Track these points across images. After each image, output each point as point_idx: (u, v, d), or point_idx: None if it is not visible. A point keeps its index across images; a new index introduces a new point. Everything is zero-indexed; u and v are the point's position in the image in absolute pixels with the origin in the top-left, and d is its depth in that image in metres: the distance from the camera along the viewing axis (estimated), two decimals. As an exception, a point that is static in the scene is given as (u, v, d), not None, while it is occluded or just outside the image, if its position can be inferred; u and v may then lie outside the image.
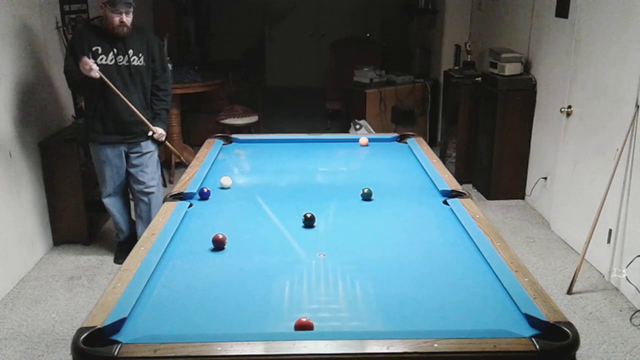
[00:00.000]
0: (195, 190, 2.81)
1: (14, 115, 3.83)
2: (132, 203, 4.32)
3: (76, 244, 4.35)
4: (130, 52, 3.74)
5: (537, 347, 1.58)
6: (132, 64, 3.76)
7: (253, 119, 6.06)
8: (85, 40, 3.69)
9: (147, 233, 2.35)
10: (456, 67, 6.13)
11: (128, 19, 3.64)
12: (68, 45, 3.84)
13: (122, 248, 4.13)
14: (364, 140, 3.75)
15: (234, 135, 3.89)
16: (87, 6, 5.14)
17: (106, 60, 3.70)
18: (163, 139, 3.95)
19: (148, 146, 3.95)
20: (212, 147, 3.57)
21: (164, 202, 2.75)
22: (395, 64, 7.46)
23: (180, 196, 2.76)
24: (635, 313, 3.39)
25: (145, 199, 4.02)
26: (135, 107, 3.73)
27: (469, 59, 5.85)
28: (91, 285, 3.80)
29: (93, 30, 3.75)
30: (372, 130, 5.89)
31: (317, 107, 8.52)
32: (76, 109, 4.82)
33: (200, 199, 2.78)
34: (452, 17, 6.57)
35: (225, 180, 2.96)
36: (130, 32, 3.71)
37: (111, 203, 4.06)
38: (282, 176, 3.17)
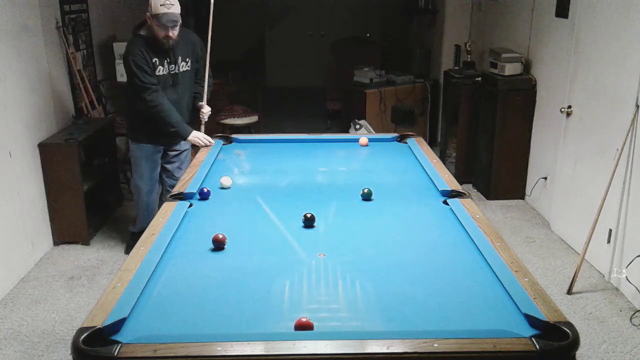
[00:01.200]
0: (195, 190, 2.81)
1: (14, 115, 3.83)
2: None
3: (76, 244, 4.35)
4: (179, 59, 3.80)
5: (537, 347, 1.58)
6: (181, 70, 3.83)
7: (253, 119, 6.06)
8: (147, 54, 3.65)
9: (147, 233, 2.35)
10: (456, 67, 6.13)
11: (174, 33, 3.63)
12: (133, 63, 3.62)
13: (134, 238, 4.13)
14: (364, 140, 3.75)
15: (234, 135, 3.88)
16: (87, 6, 5.15)
17: (163, 70, 3.74)
18: (207, 117, 4.00)
19: (186, 144, 4.06)
20: (212, 147, 3.57)
21: (164, 202, 2.75)
22: (395, 64, 7.46)
23: (180, 196, 2.76)
24: (635, 313, 3.39)
25: None
26: (184, 112, 3.86)
27: (469, 59, 5.85)
28: (91, 285, 3.80)
29: (146, 42, 3.68)
30: (372, 130, 5.89)
31: (317, 107, 8.52)
32: (76, 109, 4.82)
33: (200, 199, 2.77)
34: (452, 17, 6.57)
35: (225, 180, 2.96)
36: (177, 42, 3.71)
37: (145, 193, 4.09)
38: (282, 176, 3.17)
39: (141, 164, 4.02)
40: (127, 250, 4.20)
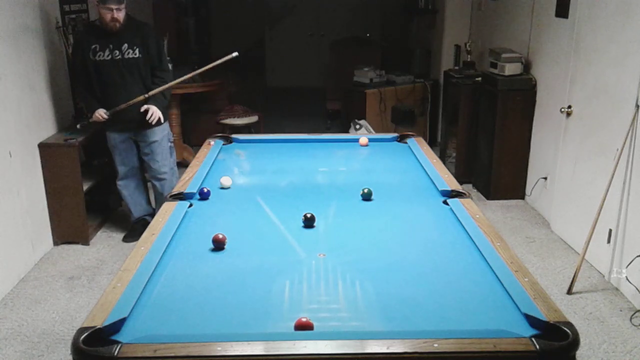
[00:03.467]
0: (195, 190, 2.81)
1: (14, 115, 3.83)
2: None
3: (76, 244, 4.35)
4: (125, 46, 3.96)
5: (537, 347, 1.58)
6: (126, 56, 3.97)
7: (253, 119, 6.06)
8: (85, 40, 4.03)
9: (147, 233, 2.35)
10: (456, 67, 6.12)
11: (119, 15, 3.87)
12: (72, 44, 4.25)
13: (133, 228, 4.47)
14: (364, 140, 3.75)
15: (234, 135, 3.89)
16: (87, 6, 5.14)
17: (103, 56, 3.96)
18: (155, 118, 4.05)
19: (154, 135, 4.20)
20: (212, 147, 3.57)
21: (164, 202, 2.75)
22: (395, 64, 7.45)
23: (180, 196, 2.76)
24: (635, 313, 3.39)
25: (158, 184, 4.37)
26: (132, 99, 3.97)
27: (469, 59, 5.85)
28: (91, 285, 3.80)
29: (92, 30, 4.06)
30: (372, 130, 5.89)
31: (317, 107, 8.51)
32: (76, 108, 4.81)
33: (200, 199, 2.78)
34: (452, 17, 6.57)
35: (225, 180, 2.96)
36: (124, 27, 3.92)
37: (122, 185, 4.39)
38: (282, 176, 3.17)
39: (113, 153, 4.31)
40: (125, 239, 4.43)
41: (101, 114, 3.99)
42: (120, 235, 4.51)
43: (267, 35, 10.38)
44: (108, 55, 3.96)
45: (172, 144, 4.45)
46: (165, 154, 4.32)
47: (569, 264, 4.02)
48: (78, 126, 4.14)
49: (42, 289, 3.76)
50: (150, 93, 4.02)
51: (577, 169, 4.20)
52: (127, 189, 4.40)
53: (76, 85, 4.38)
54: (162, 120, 4.13)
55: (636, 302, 3.47)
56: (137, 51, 3.99)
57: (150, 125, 4.11)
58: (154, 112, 4.02)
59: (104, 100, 4.05)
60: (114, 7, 3.82)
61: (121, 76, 4.01)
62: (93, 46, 3.96)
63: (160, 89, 4.07)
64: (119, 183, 4.39)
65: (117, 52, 3.96)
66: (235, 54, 4.20)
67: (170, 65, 4.77)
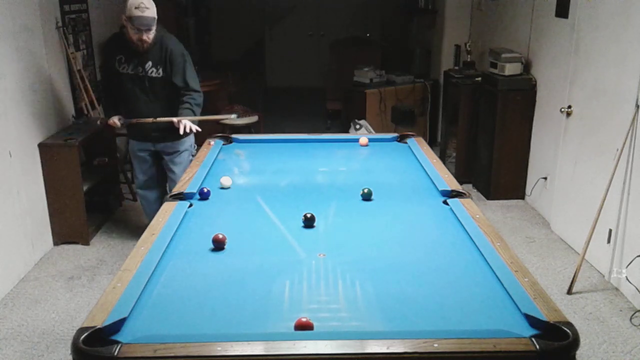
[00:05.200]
0: (195, 190, 2.81)
1: (14, 115, 3.83)
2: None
3: (76, 244, 4.35)
4: (149, 64, 3.72)
5: (537, 347, 1.58)
6: (149, 75, 3.74)
7: (253, 119, 6.06)
8: (112, 48, 3.88)
9: (147, 233, 2.35)
10: (456, 67, 6.12)
11: (148, 36, 3.61)
12: (100, 65, 4.25)
13: None
14: (364, 140, 3.75)
15: (234, 135, 3.89)
16: (87, 6, 5.14)
17: (127, 69, 3.77)
18: (188, 129, 3.69)
19: (175, 146, 3.97)
20: (212, 147, 3.57)
21: (164, 202, 2.75)
22: (395, 64, 7.45)
23: (180, 196, 2.76)
24: (635, 313, 3.39)
25: None
26: (153, 114, 3.77)
27: (469, 59, 5.85)
28: (91, 285, 3.80)
29: (120, 39, 3.78)
30: (372, 130, 5.89)
31: (317, 107, 8.51)
32: (76, 109, 4.82)
33: (200, 199, 2.78)
34: (452, 17, 6.57)
35: (225, 180, 2.96)
36: (151, 45, 3.67)
37: (142, 195, 4.26)
38: (282, 176, 3.17)
39: (132, 160, 4.23)
40: None
41: (115, 120, 3.85)
42: (121, 236, 4.51)
43: (267, 35, 10.39)
44: (132, 70, 3.74)
45: (193, 157, 4.15)
46: (185, 166, 3.96)
47: (569, 264, 4.02)
48: (98, 122, 4.06)
49: (42, 289, 3.76)
50: (160, 119, 3.74)
51: (577, 169, 4.20)
52: (146, 200, 4.22)
53: (102, 84, 4.31)
54: (194, 130, 3.76)
55: (636, 302, 3.47)
56: (160, 71, 3.73)
57: (177, 137, 3.86)
58: (186, 124, 3.65)
59: (125, 108, 3.88)
60: (143, 29, 3.56)
61: (143, 92, 3.79)
62: (118, 57, 3.75)
63: (188, 109, 3.75)
64: (138, 192, 4.26)
65: (141, 69, 3.72)
66: (234, 115, 4.27)
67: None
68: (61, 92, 4.56)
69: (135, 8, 3.50)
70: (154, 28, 3.61)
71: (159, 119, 3.75)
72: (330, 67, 8.19)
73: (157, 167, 4.14)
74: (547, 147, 4.74)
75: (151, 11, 3.55)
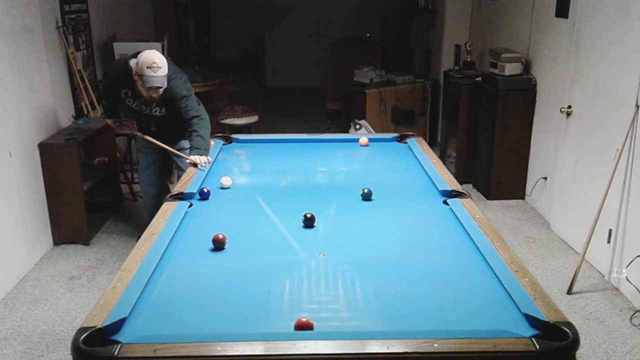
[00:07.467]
0: (195, 190, 2.82)
1: (14, 115, 3.82)
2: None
3: (76, 244, 4.35)
4: (153, 104, 3.68)
5: (537, 347, 1.58)
6: (153, 113, 3.74)
7: (253, 119, 6.06)
8: (118, 79, 3.68)
9: (147, 233, 2.35)
10: (456, 67, 6.12)
11: (158, 94, 3.53)
12: (102, 86, 4.04)
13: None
14: (364, 140, 3.75)
15: (234, 135, 3.89)
16: (87, 6, 5.15)
17: (132, 103, 3.72)
18: (204, 162, 3.36)
19: (180, 144, 3.91)
20: (212, 147, 3.57)
21: (164, 202, 2.75)
22: (395, 64, 7.46)
23: (180, 196, 2.76)
24: (635, 313, 3.39)
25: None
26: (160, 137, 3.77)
27: (469, 59, 5.85)
28: (91, 285, 3.80)
29: (127, 74, 3.60)
30: (372, 130, 5.89)
31: (317, 107, 8.52)
32: (76, 109, 4.82)
33: (200, 199, 2.78)
34: (452, 17, 6.57)
35: (225, 180, 2.96)
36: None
37: (143, 189, 4.21)
38: (282, 176, 3.17)
39: (139, 156, 4.18)
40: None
41: (109, 122, 3.94)
42: (121, 236, 4.51)
43: (267, 35, 10.39)
44: (137, 106, 3.72)
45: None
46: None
47: (569, 264, 4.02)
48: (117, 123, 3.97)
49: (42, 289, 3.76)
50: (171, 150, 3.75)
51: (577, 169, 4.20)
52: (148, 195, 4.18)
53: (103, 95, 4.15)
54: (209, 160, 3.44)
55: (636, 302, 3.47)
56: (163, 110, 3.72)
57: (182, 137, 3.85)
58: (201, 161, 3.36)
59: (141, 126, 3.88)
60: (153, 87, 3.46)
61: (147, 124, 3.80)
62: (124, 90, 3.68)
63: (199, 138, 3.59)
64: (141, 186, 4.21)
65: (145, 107, 3.71)
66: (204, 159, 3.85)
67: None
68: (61, 92, 4.56)
69: (147, 67, 3.38)
70: (164, 86, 3.50)
71: (169, 149, 3.74)
72: (330, 67, 8.19)
73: (161, 162, 4.12)
74: (547, 147, 4.74)
75: (163, 70, 3.43)
